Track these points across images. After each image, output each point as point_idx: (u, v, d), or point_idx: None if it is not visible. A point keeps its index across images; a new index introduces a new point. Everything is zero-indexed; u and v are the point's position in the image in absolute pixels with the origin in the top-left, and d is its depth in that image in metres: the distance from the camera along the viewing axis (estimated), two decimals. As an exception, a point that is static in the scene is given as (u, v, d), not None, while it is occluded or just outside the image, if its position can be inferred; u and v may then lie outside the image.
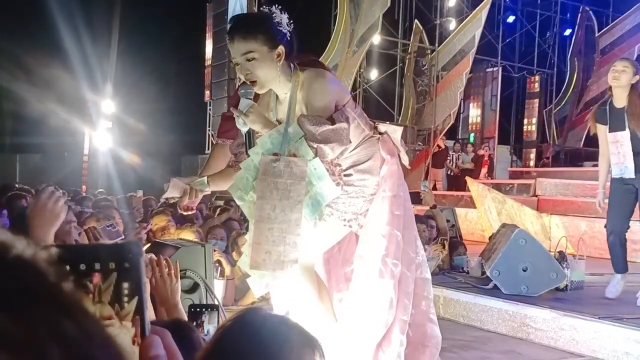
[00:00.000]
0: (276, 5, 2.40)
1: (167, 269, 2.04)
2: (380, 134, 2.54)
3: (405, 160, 2.65)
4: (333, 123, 2.29)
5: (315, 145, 2.24)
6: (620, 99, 4.20)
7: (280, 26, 2.36)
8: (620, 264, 4.39)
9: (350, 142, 2.37)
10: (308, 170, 2.24)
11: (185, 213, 3.08)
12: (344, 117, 2.33)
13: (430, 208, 6.18)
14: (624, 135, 4.16)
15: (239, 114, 2.30)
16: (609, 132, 4.26)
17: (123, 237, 3.46)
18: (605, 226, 4.40)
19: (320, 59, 2.85)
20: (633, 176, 4.17)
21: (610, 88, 4.30)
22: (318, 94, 2.35)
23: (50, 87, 15.99)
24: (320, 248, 2.48)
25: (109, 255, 0.65)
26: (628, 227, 4.35)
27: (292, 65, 2.42)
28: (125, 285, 0.64)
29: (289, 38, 2.38)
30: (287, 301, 2.47)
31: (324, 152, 2.26)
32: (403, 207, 2.48)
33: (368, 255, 2.43)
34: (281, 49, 2.35)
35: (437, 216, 5.99)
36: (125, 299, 0.64)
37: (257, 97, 2.44)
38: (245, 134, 2.36)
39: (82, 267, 0.64)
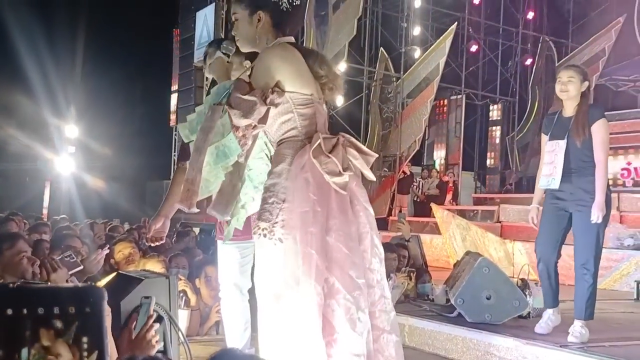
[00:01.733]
0: None
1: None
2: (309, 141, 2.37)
3: (370, 178, 2.53)
4: (257, 95, 2.31)
5: (226, 106, 2.33)
6: (569, 109, 3.94)
7: None
8: (549, 296, 4.01)
9: (263, 123, 2.35)
10: (220, 121, 2.34)
11: (152, 244, 3.09)
12: (268, 98, 2.31)
13: (407, 241, 6.22)
14: (561, 145, 3.88)
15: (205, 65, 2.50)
16: (549, 140, 3.99)
17: (82, 267, 3.39)
18: (535, 250, 4.06)
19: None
20: (557, 187, 3.86)
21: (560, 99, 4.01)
22: (262, 60, 2.42)
23: (11, 112, 15.75)
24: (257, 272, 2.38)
25: (69, 299, 0.64)
26: (558, 257, 3.96)
27: (277, 35, 2.49)
28: (85, 339, 0.63)
29: (283, 9, 2.45)
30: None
31: (230, 115, 2.32)
32: (320, 225, 2.29)
33: (271, 273, 2.30)
34: (260, 14, 2.46)
35: (411, 248, 6.04)
36: (85, 353, 0.64)
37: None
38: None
39: (40, 311, 0.62)
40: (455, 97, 17.00)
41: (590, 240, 3.79)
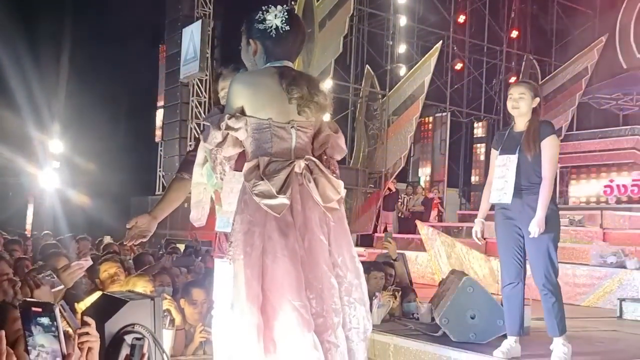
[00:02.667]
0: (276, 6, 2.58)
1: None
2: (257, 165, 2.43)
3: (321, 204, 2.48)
4: (213, 121, 2.46)
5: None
6: (520, 124, 3.92)
7: (259, 23, 2.55)
8: (512, 322, 3.89)
9: (219, 147, 2.48)
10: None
11: (132, 243, 3.03)
12: (223, 123, 2.42)
13: (394, 260, 6.23)
14: (512, 159, 3.82)
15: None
16: (499, 154, 3.93)
17: (62, 286, 3.35)
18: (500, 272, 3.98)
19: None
20: (509, 201, 3.79)
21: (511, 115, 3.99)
22: (231, 84, 2.52)
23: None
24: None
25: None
26: (523, 277, 3.85)
27: (267, 61, 2.56)
28: None
29: (272, 36, 2.53)
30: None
31: (202, 135, 2.54)
32: (256, 246, 2.35)
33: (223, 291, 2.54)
34: (253, 42, 2.57)
35: (397, 267, 6.06)
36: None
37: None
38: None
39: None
40: (440, 114, 17.13)
41: (543, 258, 3.77)
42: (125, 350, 2.35)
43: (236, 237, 2.38)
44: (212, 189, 2.63)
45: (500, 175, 3.89)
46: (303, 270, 2.35)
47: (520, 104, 3.90)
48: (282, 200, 2.36)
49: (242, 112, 2.44)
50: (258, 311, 2.30)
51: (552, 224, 3.76)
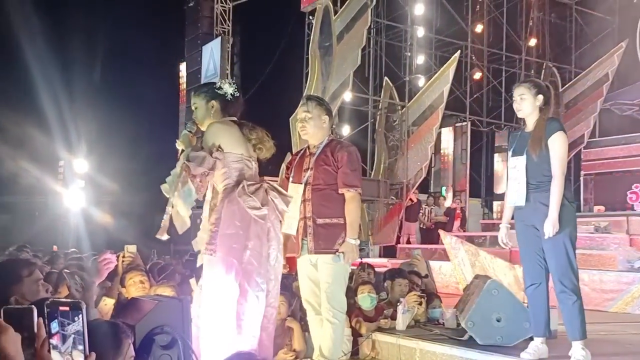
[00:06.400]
0: (232, 81, 3.75)
1: None
2: (240, 185, 3.44)
3: (285, 211, 3.62)
4: (206, 151, 3.39)
5: (185, 162, 3.36)
6: (529, 125, 3.93)
7: (218, 89, 3.64)
8: (538, 323, 3.89)
9: (213, 170, 3.38)
10: (182, 174, 3.36)
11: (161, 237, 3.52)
12: (213, 155, 3.40)
13: (423, 277, 6.23)
14: (521, 160, 3.83)
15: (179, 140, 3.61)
16: (511, 156, 3.94)
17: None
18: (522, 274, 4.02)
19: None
20: (523, 204, 3.81)
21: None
22: (207, 130, 3.53)
23: (23, 145, 15.88)
24: (206, 278, 3.44)
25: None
26: (547, 278, 3.85)
27: (225, 116, 3.62)
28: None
29: (228, 99, 3.64)
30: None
31: (189, 167, 3.34)
32: (241, 243, 3.38)
33: (209, 275, 3.40)
34: (213, 103, 3.63)
35: (427, 284, 6.11)
36: None
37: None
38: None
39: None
40: (460, 124, 17.08)
41: (561, 255, 3.72)
42: (156, 351, 2.40)
43: (221, 238, 3.38)
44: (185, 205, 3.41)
45: (513, 177, 3.90)
46: (262, 263, 3.45)
47: (522, 105, 3.91)
48: (264, 211, 3.46)
49: (219, 149, 3.43)
50: (237, 287, 3.37)
51: (566, 220, 3.72)
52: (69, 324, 1.69)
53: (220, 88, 3.63)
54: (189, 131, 3.65)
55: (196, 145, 3.52)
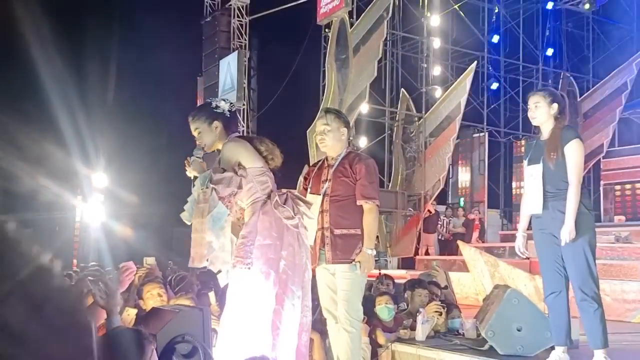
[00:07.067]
0: (225, 100, 3.74)
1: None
2: (269, 198, 3.50)
3: (310, 218, 3.72)
4: (231, 171, 3.41)
5: (211, 185, 3.35)
6: (545, 133, 3.92)
7: (217, 109, 3.63)
8: (558, 332, 3.85)
9: (240, 188, 3.41)
10: (210, 199, 3.34)
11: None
12: (239, 173, 3.43)
13: (442, 288, 6.22)
14: (537, 169, 3.83)
15: (188, 165, 3.60)
16: (527, 165, 3.96)
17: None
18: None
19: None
20: (540, 212, 3.81)
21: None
22: (224, 150, 3.55)
23: (42, 162, 16.06)
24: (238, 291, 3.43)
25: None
26: (567, 286, 3.82)
27: (229, 134, 3.64)
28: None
29: (227, 115, 3.64)
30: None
31: (217, 190, 3.35)
32: (277, 253, 3.44)
33: (245, 287, 3.40)
34: (216, 123, 3.61)
35: (447, 294, 6.10)
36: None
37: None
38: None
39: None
40: (477, 134, 17.02)
41: (581, 264, 3.70)
42: (177, 360, 2.42)
43: (258, 250, 3.41)
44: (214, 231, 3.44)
45: (530, 186, 3.90)
46: (295, 271, 3.53)
47: (536, 114, 3.91)
48: (296, 219, 3.55)
49: (241, 166, 3.46)
50: (275, 297, 3.44)
51: (585, 227, 3.71)
52: None
53: (217, 107, 3.65)
54: (197, 157, 3.65)
55: (217, 167, 3.52)
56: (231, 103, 3.72)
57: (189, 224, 3.50)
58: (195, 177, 3.58)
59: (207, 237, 3.35)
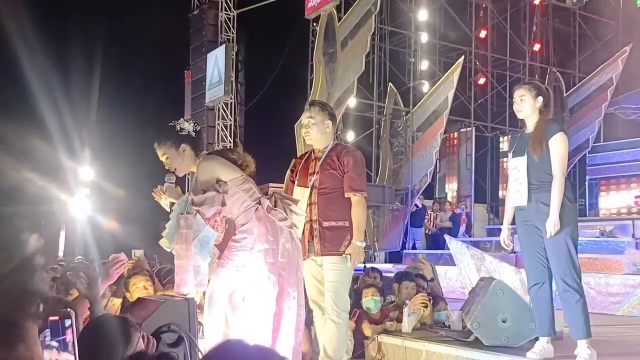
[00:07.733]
0: (185, 118, 3.70)
1: None
2: (259, 203, 3.47)
3: (300, 215, 3.69)
4: (211, 190, 3.36)
5: (195, 208, 3.29)
6: (530, 126, 3.95)
7: (180, 131, 3.55)
8: (542, 323, 3.89)
9: (224, 205, 3.39)
10: (195, 224, 3.27)
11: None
12: (221, 188, 3.39)
13: (429, 281, 6.24)
14: (522, 161, 3.86)
15: (162, 191, 3.65)
16: (512, 157, 3.98)
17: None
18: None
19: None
20: (525, 204, 3.83)
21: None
22: (199, 171, 3.50)
23: (27, 155, 15.92)
24: (225, 288, 3.47)
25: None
26: (551, 277, 3.83)
27: (198, 154, 3.58)
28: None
29: (193, 136, 3.57)
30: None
31: (201, 212, 3.30)
32: (274, 257, 3.45)
33: (250, 291, 3.44)
34: (183, 146, 3.55)
35: (433, 287, 6.11)
36: None
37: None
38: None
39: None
40: (465, 129, 17.08)
41: (562, 254, 3.73)
42: (162, 349, 2.41)
43: (256, 254, 3.42)
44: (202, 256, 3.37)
45: (515, 178, 3.94)
46: (291, 273, 3.55)
47: (522, 107, 3.93)
48: (290, 220, 3.56)
49: (220, 181, 3.42)
50: (274, 301, 3.44)
51: (567, 219, 3.74)
52: (59, 334, 1.63)
53: (182, 129, 3.57)
54: (170, 183, 3.65)
55: (196, 188, 3.46)
56: (195, 122, 3.66)
57: (169, 250, 3.44)
58: (172, 203, 3.52)
59: (193, 262, 3.27)
